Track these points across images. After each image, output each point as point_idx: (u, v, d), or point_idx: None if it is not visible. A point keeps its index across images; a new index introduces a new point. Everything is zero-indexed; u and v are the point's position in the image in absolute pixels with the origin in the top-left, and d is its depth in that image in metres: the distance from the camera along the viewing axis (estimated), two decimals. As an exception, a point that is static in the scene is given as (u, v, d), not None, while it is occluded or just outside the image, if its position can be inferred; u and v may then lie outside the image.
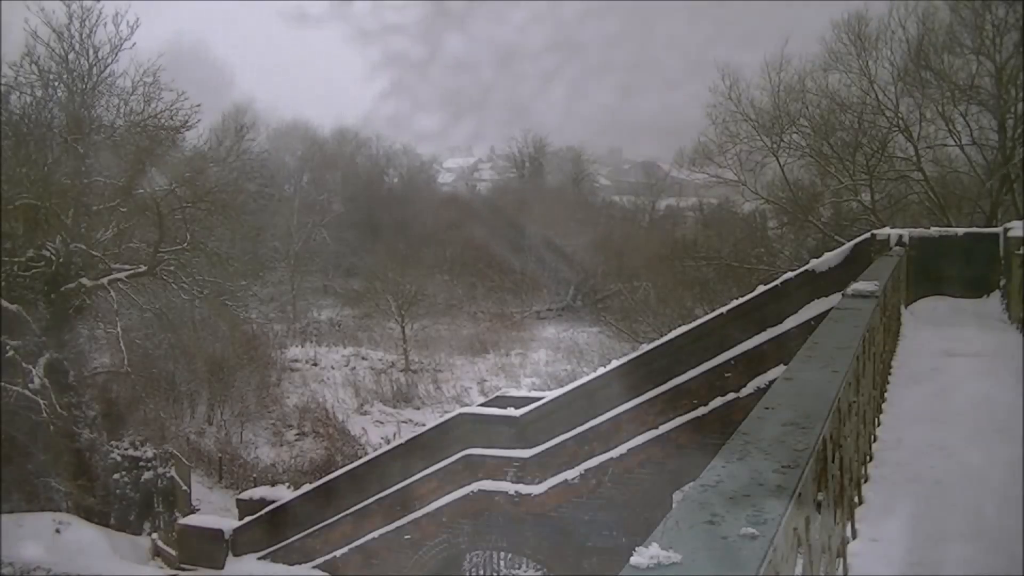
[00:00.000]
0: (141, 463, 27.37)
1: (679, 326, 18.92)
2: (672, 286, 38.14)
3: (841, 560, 4.46)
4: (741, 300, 16.60)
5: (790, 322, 15.38)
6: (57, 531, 22.74)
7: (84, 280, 27.55)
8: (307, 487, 20.67)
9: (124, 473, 27.06)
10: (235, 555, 20.07)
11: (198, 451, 34.19)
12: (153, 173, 28.76)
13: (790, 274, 16.47)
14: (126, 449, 27.55)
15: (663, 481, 15.83)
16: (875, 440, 7.39)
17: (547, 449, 17.05)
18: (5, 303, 25.77)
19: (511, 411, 17.85)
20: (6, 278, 26.50)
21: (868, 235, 16.10)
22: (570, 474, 16.73)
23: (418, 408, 42.47)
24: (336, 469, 22.87)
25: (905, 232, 16.02)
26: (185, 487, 27.63)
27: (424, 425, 25.68)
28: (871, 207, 34.21)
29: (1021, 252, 13.23)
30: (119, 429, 29.60)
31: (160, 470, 27.53)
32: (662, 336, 19.41)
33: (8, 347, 25.02)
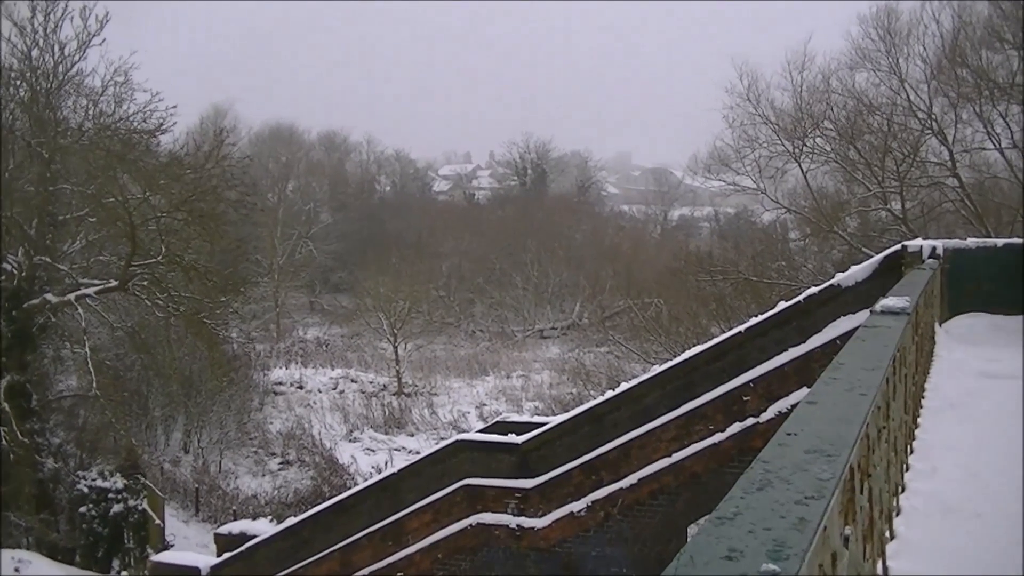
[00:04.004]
0: (110, 495, 27.28)
1: (693, 345, 18.87)
2: (686, 302, 38.12)
3: (871, 600, 4.42)
4: (760, 318, 16.55)
5: (814, 341, 15.33)
6: (16, 570, 22.67)
7: (49, 296, 27.55)
8: (291, 520, 20.58)
9: (91, 506, 26.98)
10: (212, 595, 19.97)
11: (173, 481, 34.14)
12: (125, 180, 28.70)
13: (813, 289, 16.41)
14: (94, 480, 27.48)
15: (677, 513, 15.76)
16: (907, 469, 7.35)
17: (551, 479, 16.98)
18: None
19: (512, 438, 17.79)
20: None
21: (898, 247, 16.05)
22: (576, 506, 16.66)
23: (412, 435, 42.42)
24: (323, 500, 22.80)
25: (939, 243, 15.96)
26: (158, 521, 27.56)
27: (418, 453, 25.62)
28: (902, 216, 34.19)
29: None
30: (86, 458, 29.56)
31: (131, 502, 27.44)
32: (675, 356, 19.31)
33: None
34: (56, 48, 28.75)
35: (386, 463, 35.76)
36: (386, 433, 42.47)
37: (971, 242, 17.13)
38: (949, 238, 18.51)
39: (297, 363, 54.65)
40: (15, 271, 27.30)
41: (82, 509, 27.02)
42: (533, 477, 17.21)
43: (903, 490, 6.84)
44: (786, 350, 15.59)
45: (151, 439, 37.25)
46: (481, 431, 21.62)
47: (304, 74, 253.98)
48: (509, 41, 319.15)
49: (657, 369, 18.24)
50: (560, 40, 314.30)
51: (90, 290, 28.28)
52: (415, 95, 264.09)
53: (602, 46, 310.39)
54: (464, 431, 32.08)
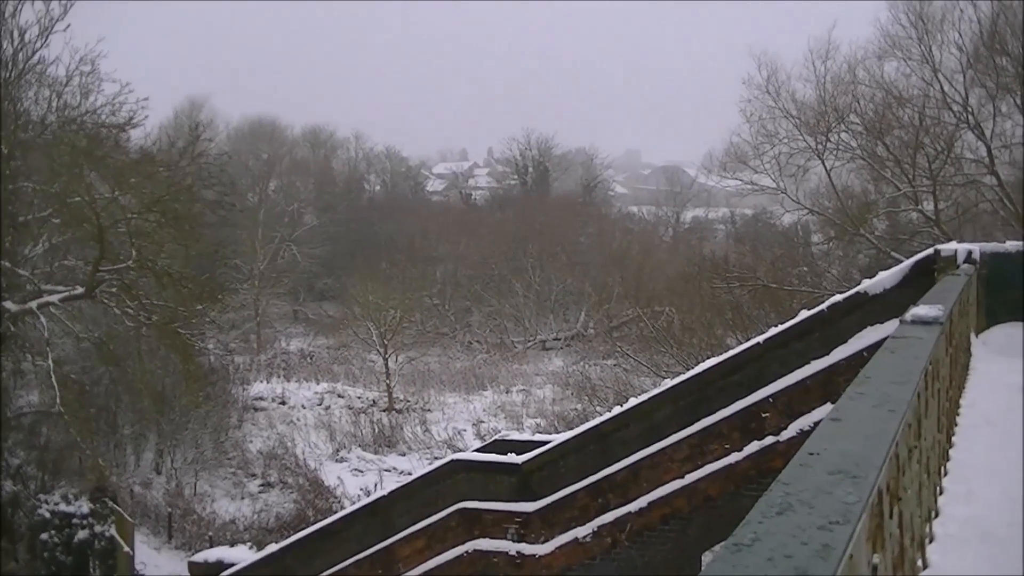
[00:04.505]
0: (75, 520, 27.24)
1: (708, 358, 18.85)
2: (699, 311, 38.13)
3: (902, 635, 4.40)
4: (780, 328, 16.52)
5: (838, 353, 15.30)
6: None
7: (8, 304, 27.49)
8: (272, 547, 20.52)
9: (54, 532, 26.94)
10: (186, 628, 19.94)
11: (144, 505, 34.10)
12: (92, 178, 28.72)
13: (838, 297, 16.38)
14: (57, 504, 27.44)
15: (690, 539, 15.73)
16: (941, 492, 7.32)
17: (554, 502, 16.94)
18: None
19: (512, 457, 17.76)
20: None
21: (931, 251, 16.02)
22: (581, 531, 16.63)
23: (403, 454, 42.41)
24: (307, 526, 22.75)
25: (975, 247, 15.93)
26: (127, 548, 27.51)
27: (410, 474, 25.60)
28: (934, 218, 34.15)
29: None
30: (49, 480, 29.50)
31: (97, 528, 27.41)
32: (688, 369, 19.28)
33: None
34: (15, 34, 28.74)
35: (375, 485, 35.73)
36: (375, 452, 42.44)
37: (1010, 245, 17.07)
38: (986, 241, 18.47)
39: (279, 377, 54.64)
40: (-29, 277, 27.29)
41: (44, 536, 26.97)
42: (535, 500, 17.17)
43: (936, 515, 6.81)
44: (808, 363, 15.57)
45: (120, 459, 37.19)
46: (478, 450, 21.58)
47: (287, 64, 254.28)
48: (508, 31, 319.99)
49: (668, 383, 18.21)
50: (563, 31, 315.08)
51: (54, 297, 28.24)
52: (407, 88, 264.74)
53: (609, 37, 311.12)
54: (460, 450, 32.06)
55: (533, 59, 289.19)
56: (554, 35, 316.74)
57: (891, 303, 14.64)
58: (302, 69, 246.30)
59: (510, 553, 17.18)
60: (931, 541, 6.28)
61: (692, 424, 16.22)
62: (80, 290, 28.60)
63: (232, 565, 20.26)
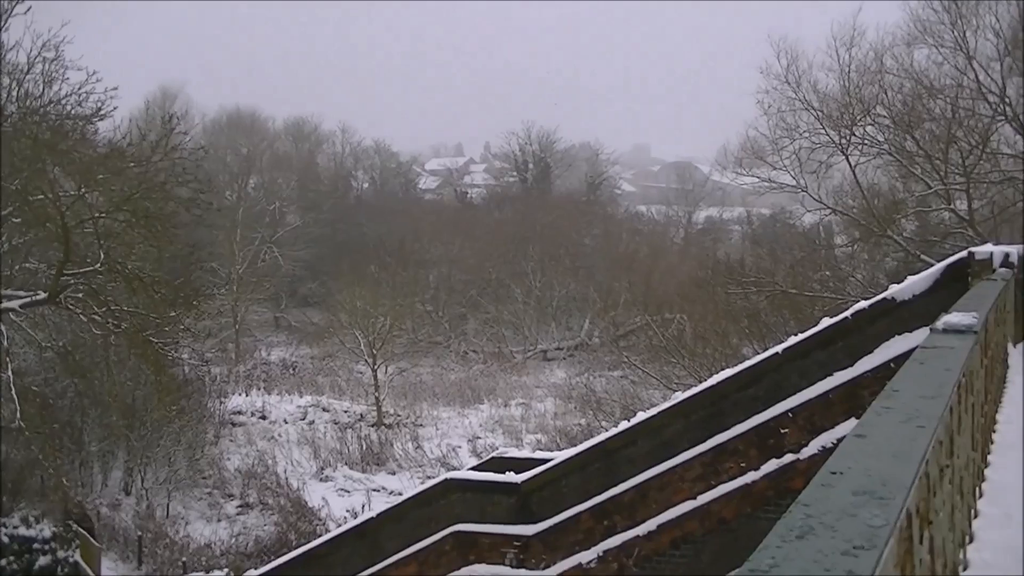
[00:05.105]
0: (36, 545, 27.21)
1: (722, 369, 18.86)
2: (713, 319, 38.18)
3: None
4: (801, 337, 16.52)
5: (863, 364, 15.30)
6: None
7: (-35, 310, 27.51)
8: (251, 573, 20.54)
9: (13, 558, 26.90)
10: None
11: (111, 528, 34.06)
12: (56, 174, 28.67)
13: (863, 304, 16.38)
14: (16, 527, 27.41)
15: (703, 565, 15.71)
16: (976, 515, 7.29)
17: (556, 525, 16.94)
18: None
19: (511, 476, 17.76)
20: None
21: (964, 254, 16.01)
22: (585, 556, 16.62)
23: (393, 473, 42.43)
24: (289, 550, 22.75)
25: (1013, 249, 15.91)
26: (93, 574, 27.45)
27: (401, 494, 25.58)
28: (968, 218, 34.13)
29: None
30: (8, 501, 29.44)
31: (61, 553, 27.38)
32: (700, 381, 19.28)
33: None
34: (-32, 18, 28.63)
35: (363, 506, 35.80)
36: (363, 471, 42.46)
37: (1051, 247, 17.09)
38: (1024, 243, 18.48)
39: (260, 389, 54.67)
40: (-75, 281, 27.27)
41: (1, 562, 26.93)
42: (535, 522, 17.17)
43: (971, 540, 6.78)
44: (831, 374, 15.57)
45: (86, 478, 37.17)
46: (474, 468, 21.59)
47: (267, 52, 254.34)
48: (505, 18, 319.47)
49: (679, 396, 18.20)
50: (565, 17, 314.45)
51: (14, 303, 28.19)
52: (397, 78, 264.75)
53: (614, 22, 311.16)
54: (455, 468, 32.06)
55: (533, 47, 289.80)
56: (555, 22, 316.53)
57: (921, 310, 14.64)
58: (284, 57, 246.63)
59: (508, 580, 17.19)
60: (965, 568, 6.25)
61: (705, 441, 16.21)
62: (43, 295, 28.53)
63: (207, 593, 20.28)
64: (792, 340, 16.63)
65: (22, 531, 27.30)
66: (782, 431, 15.72)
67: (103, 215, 28.49)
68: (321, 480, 41.21)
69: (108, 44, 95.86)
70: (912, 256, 33.52)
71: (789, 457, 15.56)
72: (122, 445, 38.25)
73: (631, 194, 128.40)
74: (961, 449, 6.31)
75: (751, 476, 15.80)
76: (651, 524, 16.28)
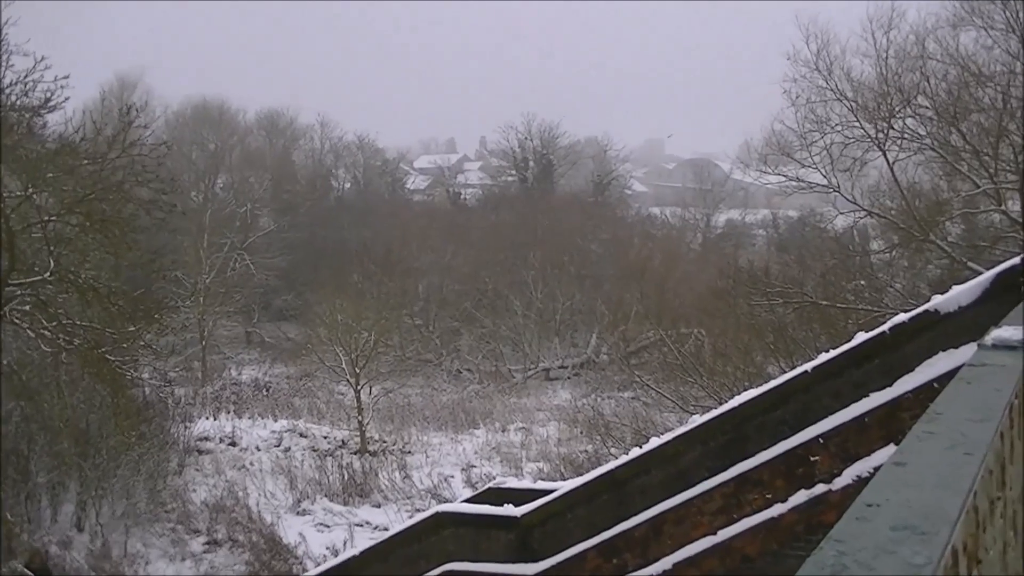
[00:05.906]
0: (-21, 587, 27.22)
1: (745, 389, 18.84)
2: (735, 333, 38.16)
3: None
4: (833, 353, 16.49)
5: (903, 384, 15.27)
6: None
7: (-101, 325, 27.52)
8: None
9: (-47, 603, 26.92)
10: None
11: (61, 569, 33.97)
12: (0, 172, 28.69)
13: (903, 316, 16.35)
14: (-44, 568, 27.44)
15: (724, 610, 15.69)
16: (1029, 552, 7.26)
17: (559, 563, 16.91)
18: None
19: (509, 509, 17.74)
20: None
21: (1017, 260, 16.01)
22: (592, 600, 16.60)
23: (379, 505, 42.37)
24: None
25: (1073, 255, 15.97)
26: (43, 620, 27.43)
27: (387, 529, 25.58)
28: (1021, 220, 34.10)
29: None
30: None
31: (7, 598, 27.37)
32: (721, 403, 19.27)
33: None
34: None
35: (345, 542, 35.75)
36: (345, 503, 42.39)
37: (1114, 253, 17.11)
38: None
39: (229, 412, 54.62)
40: None
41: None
42: (536, 561, 17.15)
43: (1024, 580, 6.75)
44: (867, 395, 15.53)
45: (32, 513, 37.06)
46: (469, 501, 21.58)
47: (237, 37, 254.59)
48: (501, 3, 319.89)
49: (697, 420, 18.17)
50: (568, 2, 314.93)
51: (-46, 317, 28.25)
52: (383, 67, 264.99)
53: (622, 7, 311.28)
54: (447, 501, 32.06)
55: (534, 33, 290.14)
56: (558, 7, 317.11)
57: (968, 323, 14.62)
58: (255, 43, 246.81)
59: (506, 626, 17.16)
60: (1017, 612, 6.22)
61: (726, 469, 16.19)
62: (-15, 308, 28.59)
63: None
64: (823, 357, 16.60)
65: (-39, 572, 27.33)
66: (812, 459, 15.69)
67: (53, 218, 28.52)
68: (298, 514, 41.13)
69: (60, 27, 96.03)
70: (958, 263, 33.53)
71: (820, 488, 15.53)
72: (74, 475, 38.14)
73: (643, 195, 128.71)
74: (1014, 480, 6.27)
75: (778, 509, 15.78)
76: (666, 563, 16.24)
